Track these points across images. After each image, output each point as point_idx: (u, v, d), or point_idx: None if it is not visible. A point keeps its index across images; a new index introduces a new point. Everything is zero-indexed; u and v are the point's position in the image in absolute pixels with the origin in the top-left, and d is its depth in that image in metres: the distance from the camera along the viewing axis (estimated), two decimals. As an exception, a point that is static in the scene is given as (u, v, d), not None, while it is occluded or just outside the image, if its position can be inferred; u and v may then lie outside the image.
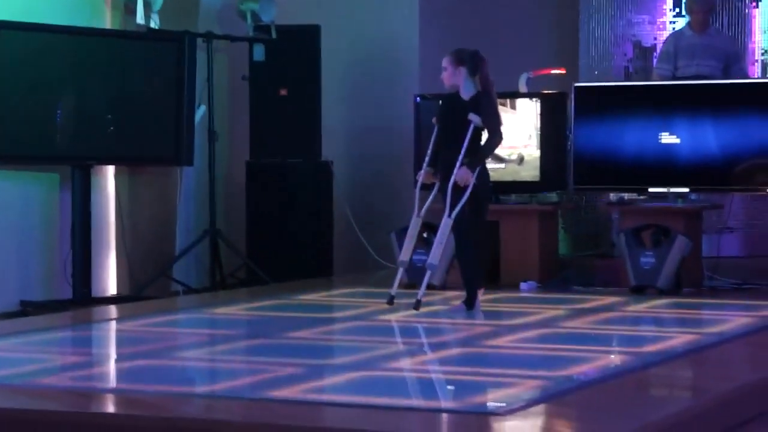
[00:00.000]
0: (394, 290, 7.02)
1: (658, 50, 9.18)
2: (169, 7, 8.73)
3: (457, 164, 6.86)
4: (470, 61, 6.97)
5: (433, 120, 7.14)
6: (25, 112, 8.05)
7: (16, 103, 7.99)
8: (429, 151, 7.10)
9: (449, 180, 6.91)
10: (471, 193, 6.89)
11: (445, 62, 7.02)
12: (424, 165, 7.10)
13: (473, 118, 6.89)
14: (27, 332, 6.41)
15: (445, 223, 6.93)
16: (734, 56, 8.78)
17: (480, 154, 6.94)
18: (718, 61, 8.65)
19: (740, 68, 8.79)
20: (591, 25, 9.69)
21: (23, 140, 8.05)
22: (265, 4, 9.12)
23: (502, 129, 7.00)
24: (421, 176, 7.10)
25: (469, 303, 6.99)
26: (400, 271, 7.15)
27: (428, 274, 7.03)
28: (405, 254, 7.13)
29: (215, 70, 8.91)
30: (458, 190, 6.90)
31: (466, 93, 6.98)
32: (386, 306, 6.95)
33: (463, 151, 6.87)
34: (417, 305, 6.87)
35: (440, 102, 7.30)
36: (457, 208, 6.87)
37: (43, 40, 8.10)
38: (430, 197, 7.12)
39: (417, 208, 7.15)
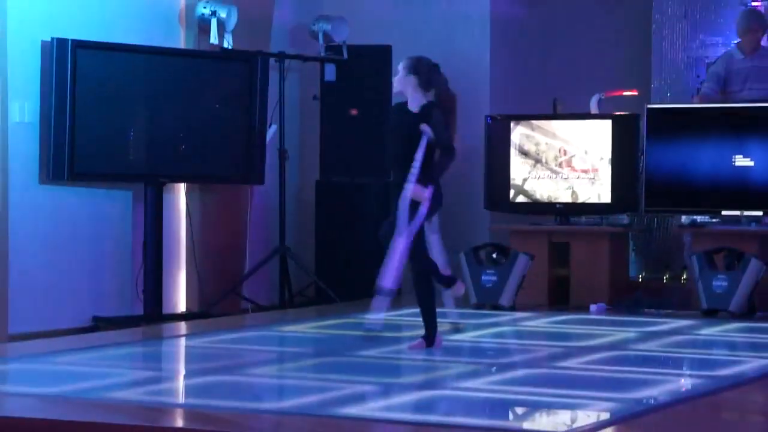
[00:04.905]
0: (379, 318, 6.37)
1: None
2: (243, 28, 8.80)
3: (412, 179, 6.11)
4: (425, 72, 6.32)
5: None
6: (101, 130, 8.15)
7: (92, 121, 8.10)
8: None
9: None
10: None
11: (400, 66, 6.37)
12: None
13: (426, 129, 6.16)
14: (99, 347, 6.49)
15: (403, 244, 6.13)
16: None
17: (433, 170, 6.18)
18: None
19: None
20: (664, 46, 9.62)
21: (98, 158, 8.15)
22: (337, 24, 9.17)
23: (456, 147, 6.27)
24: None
25: (430, 338, 6.30)
26: (384, 299, 6.31)
27: (380, 298, 6.31)
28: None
29: (287, 89, 8.97)
30: (411, 209, 6.14)
31: (414, 104, 6.30)
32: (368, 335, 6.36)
33: (418, 164, 6.11)
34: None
35: (391, 112, 6.55)
36: (413, 227, 6.12)
37: (118, 59, 8.20)
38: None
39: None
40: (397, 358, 6.25)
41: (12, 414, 4.83)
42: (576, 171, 8.52)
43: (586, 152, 8.52)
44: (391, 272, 6.17)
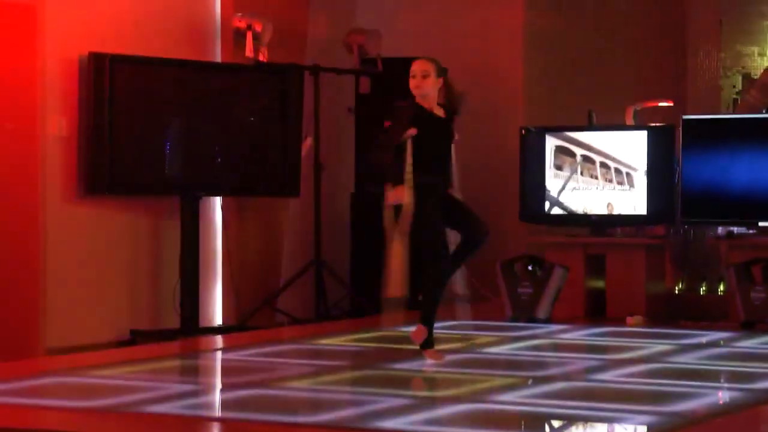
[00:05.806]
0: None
1: None
2: (278, 40, 8.84)
3: (454, 185, 6.40)
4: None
5: (409, 133, 6.21)
6: (137, 144, 8.20)
7: (129, 134, 8.15)
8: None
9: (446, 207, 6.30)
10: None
11: (429, 68, 6.28)
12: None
13: (456, 136, 6.38)
14: (137, 361, 6.51)
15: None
16: None
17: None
18: None
19: None
20: (699, 56, 9.58)
21: (135, 171, 8.20)
22: (371, 37, 9.19)
23: None
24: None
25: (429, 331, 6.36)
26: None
27: None
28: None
29: (321, 102, 8.99)
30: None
31: (434, 108, 6.38)
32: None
33: (453, 170, 6.43)
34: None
35: (414, 115, 6.29)
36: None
37: (154, 73, 8.25)
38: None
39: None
40: (433, 371, 6.24)
41: (50, 428, 4.86)
42: (611, 182, 8.49)
43: (621, 163, 8.49)
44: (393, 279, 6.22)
